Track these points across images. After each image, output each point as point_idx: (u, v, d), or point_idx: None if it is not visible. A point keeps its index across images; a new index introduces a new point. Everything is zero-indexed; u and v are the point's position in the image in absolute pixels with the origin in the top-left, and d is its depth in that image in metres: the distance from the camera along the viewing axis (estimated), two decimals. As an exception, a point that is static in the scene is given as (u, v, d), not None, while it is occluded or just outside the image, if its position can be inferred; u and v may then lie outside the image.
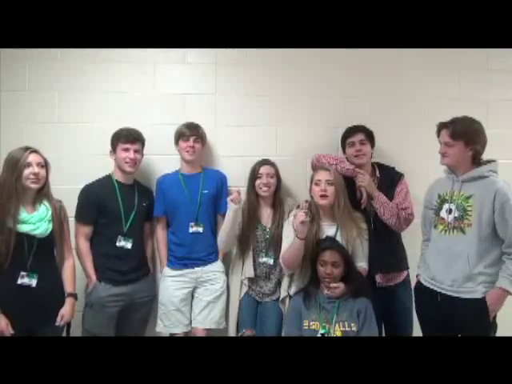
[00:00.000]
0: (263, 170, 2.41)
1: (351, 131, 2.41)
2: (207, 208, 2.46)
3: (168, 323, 2.41)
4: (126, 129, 2.40)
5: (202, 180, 2.49)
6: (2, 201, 1.91)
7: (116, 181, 2.39)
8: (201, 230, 2.43)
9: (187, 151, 2.44)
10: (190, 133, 2.45)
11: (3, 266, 1.90)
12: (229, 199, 2.26)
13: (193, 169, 2.51)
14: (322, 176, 2.22)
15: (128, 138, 2.35)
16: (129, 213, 2.37)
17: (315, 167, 2.36)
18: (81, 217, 2.34)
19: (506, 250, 1.91)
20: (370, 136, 2.39)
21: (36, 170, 1.95)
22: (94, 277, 2.30)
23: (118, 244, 2.33)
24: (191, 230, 2.43)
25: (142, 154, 2.45)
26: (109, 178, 2.41)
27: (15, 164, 1.92)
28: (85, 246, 2.33)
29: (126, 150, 2.34)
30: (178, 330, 2.40)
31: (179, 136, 2.47)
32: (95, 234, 2.36)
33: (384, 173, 2.41)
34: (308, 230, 2.12)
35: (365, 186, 2.27)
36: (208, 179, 2.51)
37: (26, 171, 1.94)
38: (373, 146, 2.41)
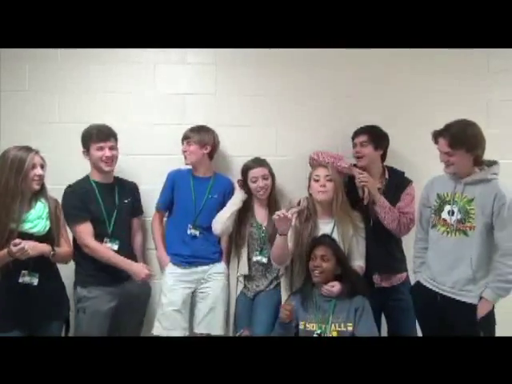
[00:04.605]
0: (257, 172, 2.39)
1: (356, 132, 2.42)
2: (211, 213, 2.43)
3: (167, 324, 2.32)
4: (95, 126, 2.28)
5: (210, 185, 2.49)
6: (6, 202, 1.89)
7: (94, 181, 2.30)
8: (197, 233, 2.43)
9: (183, 155, 2.46)
10: (187, 136, 2.45)
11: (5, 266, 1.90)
12: (238, 185, 2.28)
13: (203, 172, 2.50)
14: (321, 172, 2.23)
15: (100, 136, 2.24)
16: (111, 213, 2.28)
17: (313, 164, 2.37)
18: (76, 216, 2.21)
19: (499, 260, 1.91)
20: (374, 138, 2.36)
21: (40, 171, 1.96)
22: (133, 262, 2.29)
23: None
24: (189, 231, 2.42)
25: (117, 150, 2.33)
26: (86, 179, 2.32)
27: (21, 165, 1.91)
28: (96, 243, 2.21)
29: (101, 148, 2.24)
30: (177, 334, 2.31)
31: (182, 139, 2.48)
32: None
33: (393, 176, 2.40)
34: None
35: (368, 186, 2.27)
36: (216, 185, 2.50)
37: (31, 172, 1.94)
38: (380, 147, 2.38)
